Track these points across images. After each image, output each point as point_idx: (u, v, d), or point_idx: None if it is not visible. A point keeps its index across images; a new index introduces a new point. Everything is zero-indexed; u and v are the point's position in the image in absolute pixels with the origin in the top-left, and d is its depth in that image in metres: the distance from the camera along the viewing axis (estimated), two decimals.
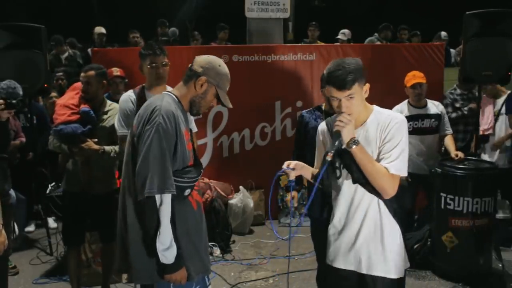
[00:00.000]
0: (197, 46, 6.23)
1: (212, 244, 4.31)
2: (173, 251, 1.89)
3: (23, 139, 4.31)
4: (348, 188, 2.01)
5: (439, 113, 4.03)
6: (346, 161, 1.97)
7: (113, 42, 7.19)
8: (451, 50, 7.31)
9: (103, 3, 12.51)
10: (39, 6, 11.22)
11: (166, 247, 1.87)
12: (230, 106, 2.09)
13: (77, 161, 3.12)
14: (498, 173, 3.72)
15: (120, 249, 2.13)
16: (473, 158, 3.95)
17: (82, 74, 3.15)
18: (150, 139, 1.87)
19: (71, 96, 3.19)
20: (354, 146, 1.88)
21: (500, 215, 4.23)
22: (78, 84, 3.23)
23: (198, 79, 2.02)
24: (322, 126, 2.19)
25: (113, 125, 3.07)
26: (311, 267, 3.73)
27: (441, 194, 3.65)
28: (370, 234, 1.98)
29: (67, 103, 3.15)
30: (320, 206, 2.67)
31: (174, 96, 2.03)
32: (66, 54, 6.73)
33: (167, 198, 1.87)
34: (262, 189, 5.02)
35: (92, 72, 3.11)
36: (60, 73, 5.40)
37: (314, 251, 3.12)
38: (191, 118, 3.08)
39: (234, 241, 4.56)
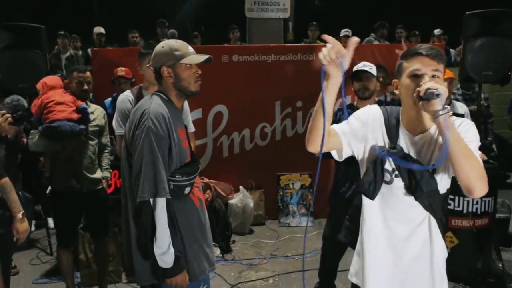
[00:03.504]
0: (196, 46, 6.21)
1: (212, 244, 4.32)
2: (171, 255, 1.87)
3: (25, 140, 4.31)
4: (397, 198, 1.71)
5: (463, 113, 4.01)
6: (411, 163, 1.64)
7: (113, 42, 7.19)
8: (451, 50, 7.31)
9: (103, 3, 12.51)
10: (39, 6, 11.21)
11: (164, 251, 1.86)
12: (204, 58, 1.99)
13: (63, 159, 3.10)
14: (498, 173, 3.73)
15: (125, 251, 2.13)
16: None
17: (81, 74, 3.17)
18: (141, 144, 1.86)
19: (60, 94, 3.13)
20: (445, 115, 1.49)
21: (500, 215, 4.22)
22: (55, 82, 3.21)
23: (161, 72, 1.99)
24: (377, 111, 1.79)
25: (99, 124, 3.25)
26: (311, 267, 3.73)
27: None
28: (418, 255, 1.74)
29: (63, 101, 3.09)
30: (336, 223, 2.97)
31: (163, 95, 2.01)
32: (67, 54, 6.73)
33: (161, 202, 1.85)
34: (262, 189, 5.03)
35: (89, 73, 3.25)
36: (58, 74, 5.40)
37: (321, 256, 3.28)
38: (189, 118, 3.09)
39: (234, 241, 4.56)
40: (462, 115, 4.00)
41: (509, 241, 4.26)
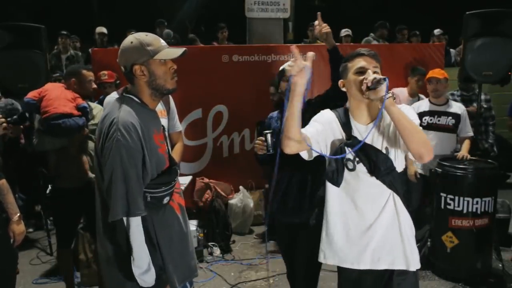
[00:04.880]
0: (196, 46, 6.22)
1: (212, 244, 4.32)
2: (152, 274, 1.73)
3: (22, 141, 4.32)
4: (363, 182, 1.95)
5: (459, 113, 4.01)
6: (369, 151, 1.90)
7: (113, 42, 7.19)
8: (451, 50, 7.30)
9: (103, 3, 12.51)
10: (39, 6, 11.21)
11: (143, 271, 1.71)
12: (181, 52, 1.80)
13: (70, 156, 3.10)
14: (498, 173, 3.73)
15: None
16: (473, 158, 3.94)
17: (91, 73, 3.25)
18: (111, 158, 1.66)
19: (61, 89, 3.14)
20: (391, 98, 1.79)
21: (500, 215, 4.22)
22: (52, 84, 3.26)
23: (133, 72, 1.78)
24: (330, 114, 2.06)
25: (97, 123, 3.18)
26: None
27: (441, 194, 3.65)
28: (388, 230, 1.94)
29: (65, 96, 3.09)
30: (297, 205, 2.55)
31: (135, 97, 1.81)
32: (67, 54, 6.73)
33: (135, 221, 1.69)
34: (262, 189, 5.02)
35: (92, 72, 3.27)
36: (57, 74, 5.41)
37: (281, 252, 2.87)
38: (176, 118, 3.03)
39: (234, 241, 4.56)
40: (459, 115, 4.01)
41: (509, 241, 4.26)
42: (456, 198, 3.56)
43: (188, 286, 2.06)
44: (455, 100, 4.86)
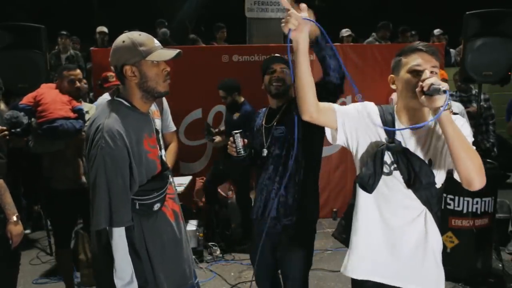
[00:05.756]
0: (196, 46, 6.22)
1: (212, 244, 4.31)
2: (135, 286, 1.65)
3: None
4: (395, 192, 1.74)
5: (457, 112, 4.01)
6: (412, 159, 1.68)
7: (113, 42, 7.18)
8: (451, 50, 7.30)
9: (103, 3, 12.51)
10: (39, 6, 11.22)
11: (125, 283, 1.63)
12: (175, 53, 1.72)
13: (65, 159, 3.09)
14: (498, 173, 3.73)
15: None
16: None
17: (71, 72, 3.14)
18: (95, 167, 1.61)
19: (56, 93, 3.13)
20: (448, 112, 1.53)
21: (500, 215, 4.22)
22: (47, 85, 3.23)
23: (123, 72, 1.71)
24: (373, 106, 1.84)
25: None
26: (312, 267, 3.73)
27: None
28: (413, 247, 1.76)
29: (61, 100, 3.08)
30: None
31: (125, 101, 1.74)
32: (67, 54, 6.73)
33: (118, 231, 1.62)
34: None
35: (79, 70, 3.22)
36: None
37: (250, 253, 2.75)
38: (169, 118, 3.03)
39: (234, 241, 4.56)
40: (456, 115, 4.01)
41: (509, 241, 4.25)
42: (456, 198, 3.57)
43: None
44: (454, 101, 4.87)
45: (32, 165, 4.35)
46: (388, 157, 1.72)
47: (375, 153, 1.72)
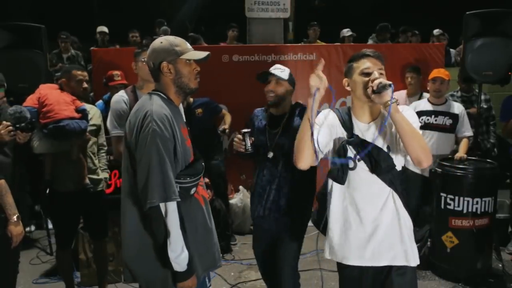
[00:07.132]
0: (196, 46, 6.22)
1: None
2: (185, 257, 1.82)
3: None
4: (363, 180, 1.99)
5: (457, 113, 4.02)
6: (367, 146, 1.94)
7: (113, 42, 7.19)
8: (451, 50, 7.29)
9: (103, 3, 12.51)
10: (39, 6, 11.22)
11: (178, 254, 1.80)
12: (205, 54, 1.94)
13: (69, 160, 3.07)
14: (498, 173, 3.73)
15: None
16: (473, 158, 3.95)
17: (80, 72, 3.16)
18: (147, 148, 1.77)
19: (59, 93, 3.12)
20: (395, 104, 1.84)
21: (500, 215, 4.22)
22: (51, 85, 3.23)
23: (161, 68, 1.91)
24: (332, 114, 2.09)
25: (95, 124, 3.28)
26: (312, 267, 3.74)
27: (441, 194, 3.65)
28: (388, 226, 1.98)
29: (64, 100, 3.07)
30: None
31: (162, 94, 1.93)
32: (68, 54, 6.73)
33: (172, 205, 1.78)
34: None
35: (86, 73, 3.25)
36: (59, 73, 5.39)
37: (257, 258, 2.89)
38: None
39: (236, 243, 4.56)
40: (456, 115, 4.01)
41: (508, 241, 4.25)
42: (456, 198, 3.57)
43: (207, 282, 2.14)
44: (455, 101, 4.86)
45: (36, 165, 4.38)
46: (351, 152, 1.98)
47: (338, 150, 1.99)
